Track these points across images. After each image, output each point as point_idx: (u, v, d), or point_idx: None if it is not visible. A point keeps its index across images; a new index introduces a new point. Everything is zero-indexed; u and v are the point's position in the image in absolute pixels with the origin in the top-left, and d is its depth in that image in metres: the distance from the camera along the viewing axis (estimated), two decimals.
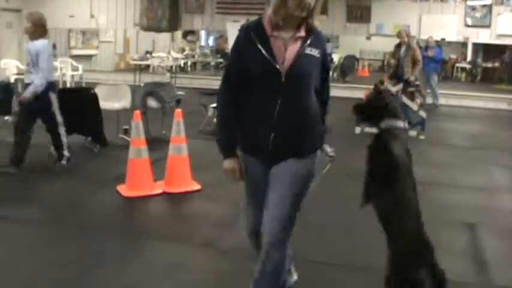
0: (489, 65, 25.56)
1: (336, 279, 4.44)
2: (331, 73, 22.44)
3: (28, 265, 4.52)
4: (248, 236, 3.65)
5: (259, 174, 3.42)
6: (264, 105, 3.27)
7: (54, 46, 19.49)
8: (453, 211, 6.31)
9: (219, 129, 3.49)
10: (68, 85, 16.07)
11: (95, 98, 8.48)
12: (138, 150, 6.48)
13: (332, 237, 5.34)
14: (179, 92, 10.75)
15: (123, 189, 6.48)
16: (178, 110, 6.85)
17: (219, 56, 25.51)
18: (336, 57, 22.81)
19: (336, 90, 17.46)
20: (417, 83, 12.40)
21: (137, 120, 6.55)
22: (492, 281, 4.63)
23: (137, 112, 6.69)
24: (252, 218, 3.56)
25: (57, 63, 16.31)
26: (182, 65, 23.11)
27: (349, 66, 22.40)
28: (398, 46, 12.24)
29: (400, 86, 11.05)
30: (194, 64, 25.49)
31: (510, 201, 6.97)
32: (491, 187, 7.55)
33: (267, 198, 3.37)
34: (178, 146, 6.68)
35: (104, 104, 8.78)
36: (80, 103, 8.31)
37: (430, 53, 15.31)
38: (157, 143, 8.44)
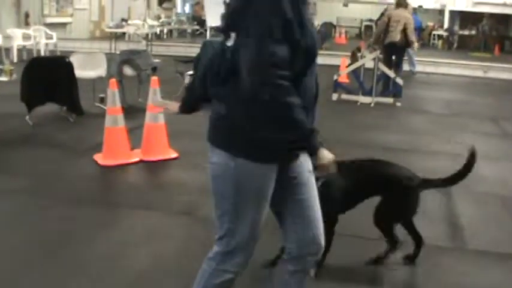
0: (466, 32, 25.68)
1: None
2: None
3: (4, 235, 4.50)
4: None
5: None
6: (310, 92, 2.55)
7: (27, 14, 19.37)
8: (429, 177, 6.36)
9: (300, 124, 2.35)
10: (42, 54, 15.81)
11: (69, 67, 8.36)
12: (115, 119, 6.43)
13: None
14: (155, 60, 10.67)
15: (100, 158, 6.44)
16: (154, 78, 6.79)
17: (195, 23, 25.33)
18: None
19: None
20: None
21: (113, 89, 6.49)
22: (466, 245, 4.72)
23: (113, 80, 6.63)
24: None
25: (30, 32, 16.06)
26: (158, 33, 22.88)
27: (326, 33, 22.41)
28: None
29: (376, 53, 11.05)
30: (170, 31, 25.22)
31: (484, 167, 7.05)
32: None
33: (296, 204, 2.74)
34: (155, 114, 6.63)
35: (79, 73, 8.67)
36: (54, 72, 8.19)
37: None
38: (133, 111, 8.38)
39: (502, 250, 4.61)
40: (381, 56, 11.35)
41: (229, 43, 2.37)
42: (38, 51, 16.04)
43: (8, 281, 3.76)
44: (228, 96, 2.46)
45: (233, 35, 2.35)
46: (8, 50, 14.72)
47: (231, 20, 2.40)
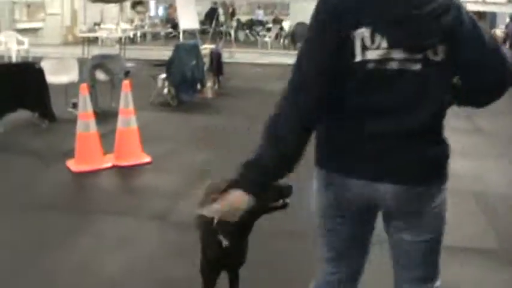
0: None
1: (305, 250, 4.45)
2: (281, 41, 22.51)
3: None
4: None
5: None
6: None
7: None
8: None
9: None
10: (14, 60, 15.60)
11: (40, 73, 8.29)
12: (86, 124, 6.37)
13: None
14: (128, 64, 10.61)
15: (72, 164, 6.37)
16: (126, 82, 6.74)
17: (169, 25, 25.27)
18: (286, 25, 22.81)
19: (287, 58, 17.51)
20: None
21: (84, 94, 6.43)
22: None
23: (83, 85, 6.58)
24: None
25: (1, 38, 15.85)
26: (132, 36, 22.73)
27: (300, 33, 22.44)
28: None
29: None
30: (144, 35, 25.11)
31: (457, 163, 7.09)
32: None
33: None
34: (127, 119, 6.59)
35: (51, 78, 8.59)
36: (24, 78, 8.12)
37: None
38: (107, 116, 8.29)
39: (474, 245, 4.65)
40: None
41: (438, 58, 2.09)
42: (9, 57, 15.82)
43: None
44: (440, 120, 2.24)
45: (441, 47, 2.08)
46: None
47: (443, 34, 2.07)
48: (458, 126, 9.17)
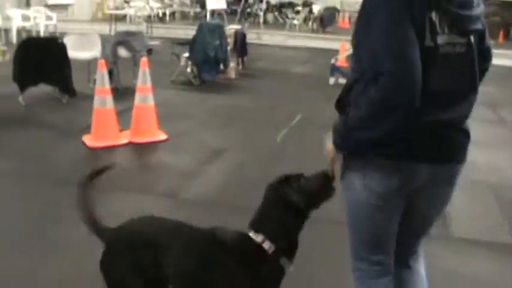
0: None
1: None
2: (310, 24, 22.38)
3: None
4: None
5: None
6: None
7: None
8: None
9: None
10: (42, 35, 15.70)
11: (62, 48, 8.30)
12: (103, 100, 6.38)
13: None
14: (153, 42, 10.61)
15: (88, 140, 6.39)
16: (144, 59, 6.74)
17: (198, 5, 25.24)
18: (315, 9, 22.67)
19: (315, 41, 17.40)
20: None
21: (102, 70, 6.43)
22: (452, 233, 4.66)
23: (101, 61, 6.57)
24: None
25: (30, 13, 15.96)
26: (161, 15, 22.76)
27: (329, 17, 22.36)
28: None
29: None
30: (173, 14, 25.10)
31: (478, 154, 6.97)
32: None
33: None
34: (144, 95, 6.59)
35: (73, 54, 8.62)
36: (47, 52, 8.14)
37: None
38: (127, 93, 8.30)
39: (487, 239, 4.55)
40: None
41: (474, 42, 2.15)
42: (38, 32, 15.93)
43: None
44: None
45: (476, 33, 2.17)
46: (7, 31, 14.64)
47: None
48: (482, 116, 9.01)
